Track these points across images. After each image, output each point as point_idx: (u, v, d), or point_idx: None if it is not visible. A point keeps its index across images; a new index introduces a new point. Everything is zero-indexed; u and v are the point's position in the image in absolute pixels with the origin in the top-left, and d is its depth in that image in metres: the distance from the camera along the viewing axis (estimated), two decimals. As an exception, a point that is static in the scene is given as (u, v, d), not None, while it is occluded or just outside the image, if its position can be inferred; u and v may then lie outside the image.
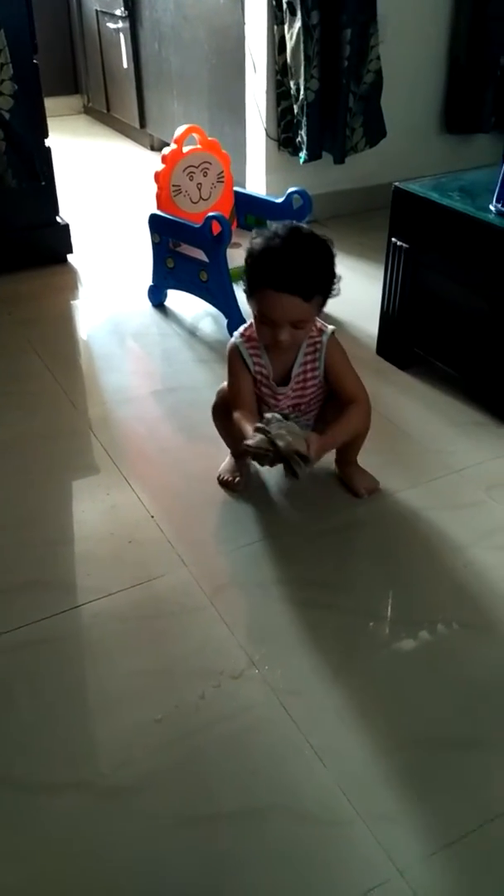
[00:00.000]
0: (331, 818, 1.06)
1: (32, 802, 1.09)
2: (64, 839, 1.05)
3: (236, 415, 1.48)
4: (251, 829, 1.06)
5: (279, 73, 2.71)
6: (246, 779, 1.11)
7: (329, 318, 2.25)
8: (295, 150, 2.83)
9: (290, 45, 2.59)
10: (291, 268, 1.35)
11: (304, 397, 1.54)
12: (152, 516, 1.58)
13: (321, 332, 1.50)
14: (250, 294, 1.41)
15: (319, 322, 1.50)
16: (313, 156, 2.76)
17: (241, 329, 1.52)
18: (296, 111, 2.70)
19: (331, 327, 1.51)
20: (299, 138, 2.74)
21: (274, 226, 1.40)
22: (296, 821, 1.06)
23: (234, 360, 1.52)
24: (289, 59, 2.62)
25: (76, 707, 1.22)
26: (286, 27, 2.58)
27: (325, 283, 1.40)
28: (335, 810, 1.07)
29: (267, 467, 1.47)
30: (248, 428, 1.40)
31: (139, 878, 1.00)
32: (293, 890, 0.99)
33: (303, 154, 2.75)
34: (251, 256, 1.39)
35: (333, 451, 1.59)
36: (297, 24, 2.51)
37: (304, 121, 2.67)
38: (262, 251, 1.38)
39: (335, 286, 1.43)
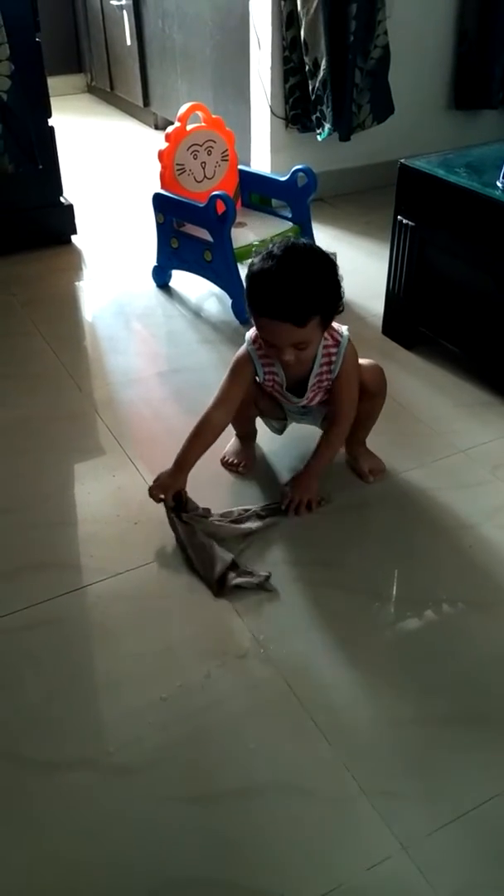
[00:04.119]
0: (335, 794, 1.07)
1: (38, 780, 1.10)
2: (69, 817, 1.06)
3: (204, 417, 1.47)
4: (256, 806, 1.06)
5: (287, 49, 2.67)
6: (251, 756, 1.12)
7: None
8: (304, 128, 2.80)
9: (306, 18, 2.54)
10: (283, 296, 1.30)
11: (326, 394, 1.53)
12: (157, 497, 1.58)
13: (337, 342, 1.45)
14: (252, 315, 1.38)
15: (335, 327, 1.46)
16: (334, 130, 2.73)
17: (253, 333, 1.46)
18: (314, 87, 2.65)
19: (346, 332, 1.46)
20: (318, 114, 2.70)
21: (274, 244, 1.35)
22: (300, 797, 1.07)
23: (240, 367, 1.48)
24: (304, 34, 2.58)
25: (82, 686, 1.23)
26: (299, 2, 2.53)
27: (322, 306, 1.34)
28: (339, 787, 1.08)
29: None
30: (192, 454, 1.47)
31: (144, 856, 1.01)
32: (298, 866, 1.00)
33: (325, 129, 2.70)
34: (248, 278, 1.36)
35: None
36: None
37: (325, 96, 2.63)
38: (256, 274, 1.33)
39: (339, 304, 1.38)
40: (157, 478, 1.47)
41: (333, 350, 1.45)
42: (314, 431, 1.64)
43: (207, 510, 1.50)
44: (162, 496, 1.46)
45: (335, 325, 1.46)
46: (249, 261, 1.37)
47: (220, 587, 1.36)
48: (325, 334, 1.44)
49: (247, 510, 1.52)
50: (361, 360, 1.53)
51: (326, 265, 1.35)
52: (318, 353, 1.45)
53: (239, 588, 1.36)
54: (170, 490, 1.46)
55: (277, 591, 1.37)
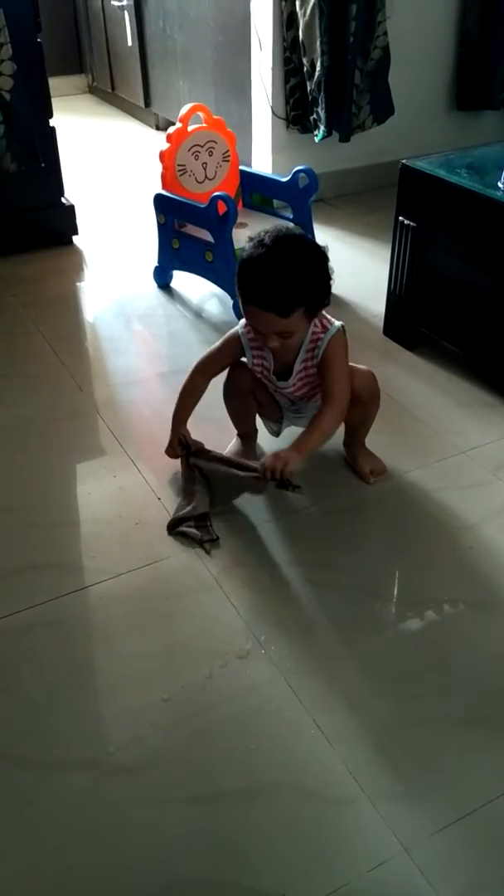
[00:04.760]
0: (336, 796, 1.07)
1: (39, 780, 1.10)
2: (70, 817, 1.06)
3: (190, 379, 1.58)
4: (257, 807, 1.06)
5: (288, 50, 2.67)
6: (252, 757, 1.12)
7: (335, 298, 2.23)
8: (304, 129, 2.80)
9: (303, 20, 2.55)
10: (268, 286, 1.31)
11: (312, 389, 1.53)
12: (159, 498, 1.58)
13: (325, 329, 1.46)
14: (240, 299, 1.39)
15: (327, 318, 1.47)
16: (330, 133, 2.73)
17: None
18: (310, 88, 2.66)
19: (338, 323, 1.47)
20: (314, 115, 2.70)
21: (266, 230, 1.36)
22: (301, 799, 1.07)
23: (227, 346, 1.55)
24: (301, 35, 2.58)
25: (83, 687, 1.23)
26: (297, 2, 2.54)
27: (307, 298, 1.35)
28: (340, 788, 1.08)
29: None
30: (183, 413, 1.59)
31: (144, 856, 1.01)
32: (298, 867, 1.00)
33: (320, 131, 2.71)
34: (238, 264, 1.37)
35: (341, 431, 1.59)
36: (312, -1, 2.47)
37: (320, 97, 2.64)
38: (245, 261, 1.34)
39: (326, 297, 1.38)
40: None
41: (321, 336, 1.46)
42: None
43: (219, 454, 1.60)
44: (175, 451, 1.61)
45: (330, 317, 1.47)
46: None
47: (172, 527, 1.50)
48: (316, 321, 1.45)
49: (229, 460, 1.58)
50: (355, 365, 1.53)
51: (315, 257, 1.36)
52: (305, 339, 1.46)
53: (184, 535, 1.48)
54: (174, 442, 1.60)
55: (214, 550, 1.44)
